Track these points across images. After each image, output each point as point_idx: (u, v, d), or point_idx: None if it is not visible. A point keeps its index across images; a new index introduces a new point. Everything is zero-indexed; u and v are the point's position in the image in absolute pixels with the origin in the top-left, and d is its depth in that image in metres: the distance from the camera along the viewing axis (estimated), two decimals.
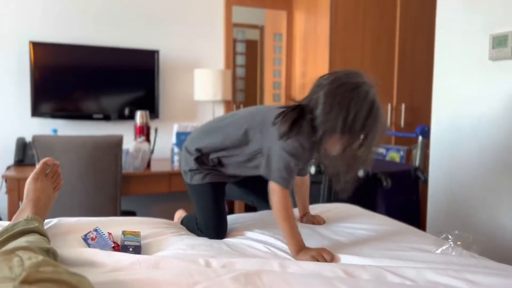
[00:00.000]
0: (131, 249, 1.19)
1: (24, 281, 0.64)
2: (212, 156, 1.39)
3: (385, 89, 3.15)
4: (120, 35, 3.05)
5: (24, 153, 2.64)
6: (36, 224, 1.10)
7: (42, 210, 1.23)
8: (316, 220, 1.48)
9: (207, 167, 1.41)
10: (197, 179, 1.40)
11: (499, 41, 1.57)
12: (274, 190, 1.23)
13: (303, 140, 1.20)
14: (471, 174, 1.72)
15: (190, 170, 1.42)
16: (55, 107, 2.86)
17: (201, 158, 1.40)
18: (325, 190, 2.44)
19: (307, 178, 1.51)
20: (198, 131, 1.46)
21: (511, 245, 1.57)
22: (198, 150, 1.40)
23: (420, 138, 2.63)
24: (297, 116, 1.19)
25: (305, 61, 3.37)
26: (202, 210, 1.39)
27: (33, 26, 2.86)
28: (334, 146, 1.20)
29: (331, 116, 1.14)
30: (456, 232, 1.26)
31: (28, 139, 2.67)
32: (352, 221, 1.52)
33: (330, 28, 3.00)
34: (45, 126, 2.86)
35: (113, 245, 1.21)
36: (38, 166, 1.29)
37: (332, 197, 2.41)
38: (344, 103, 1.14)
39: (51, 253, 0.93)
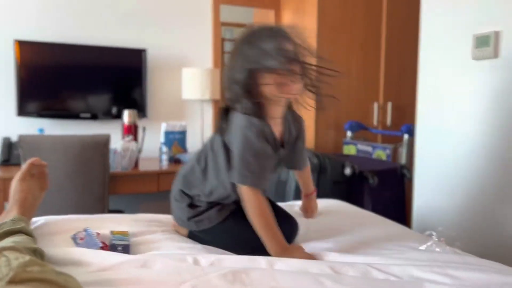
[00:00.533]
0: (120, 248, 1.19)
1: (11, 281, 0.64)
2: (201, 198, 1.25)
3: (371, 88, 3.18)
4: (107, 34, 3.03)
5: (10, 153, 2.61)
6: (23, 225, 1.09)
7: (29, 211, 1.23)
8: (310, 209, 1.40)
9: (207, 205, 1.25)
10: (206, 223, 1.23)
11: (481, 41, 1.61)
12: (243, 193, 1.11)
13: (249, 122, 1.11)
14: (455, 171, 1.75)
15: (189, 218, 1.25)
16: (41, 106, 2.83)
17: (193, 202, 1.26)
18: None
19: (307, 169, 1.41)
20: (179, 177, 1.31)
21: (495, 241, 1.60)
22: (185, 194, 1.27)
23: (405, 136, 2.67)
24: (227, 105, 1.16)
25: None
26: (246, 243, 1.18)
27: (18, 25, 2.83)
28: (280, 86, 1.10)
29: (244, 63, 1.10)
30: (440, 228, 1.28)
31: (14, 138, 2.64)
32: (339, 217, 1.54)
33: (318, 28, 3.02)
34: (31, 126, 2.83)
35: (101, 245, 1.21)
36: (24, 166, 1.28)
37: (319, 195, 2.43)
38: (242, 44, 1.12)
39: (38, 253, 0.93)
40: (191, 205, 1.26)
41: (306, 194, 1.41)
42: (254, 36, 1.12)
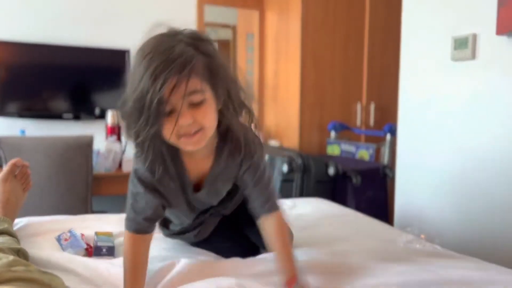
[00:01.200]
0: (104, 250, 1.18)
1: None
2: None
3: (355, 89, 3.22)
4: (89, 34, 3.00)
5: None
6: (6, 226, 1.08)
7: (11, 212, 1.22)
8: None
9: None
10: (187, 241, 1.24)
11: (460, 43, 1.65)
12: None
13: (134, 168, 0.94)
14: (436, 170, 1.79)
15: (168, 235, 1.25)
16: (23, 106, 2.79)
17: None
18: (297, 188, 2.48)
19: (274, 221, 0.99)
20: None
21: (474, 237, 1.64)
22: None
23: (388, 136, 2.71)
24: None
25: (277, 61, 3.41)
26: None
27: None
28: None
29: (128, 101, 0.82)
30: (420, 226, 1.31)
31: None
32: (322, 215, 1.56)
33: (302, 29, 3.05)
34: (13, 127, 2.78)
35: (85, 246, 1.20)
36: (6, 167, 1.27)
37: (304, 195, 2.45)
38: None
39: (21, 254, 0.92)
40: (164, 224, 1.23)
41: (287, 281, 0.94)
42: (133, 63, 0.83)
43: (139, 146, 0.86)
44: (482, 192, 1.61)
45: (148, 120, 0.78)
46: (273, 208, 0.99)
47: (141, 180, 0.93)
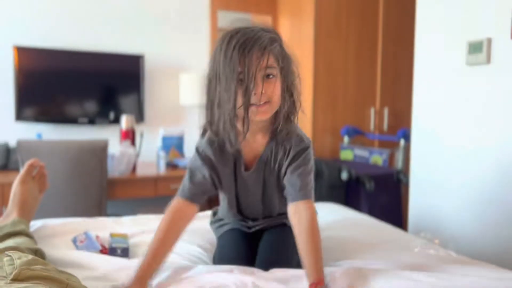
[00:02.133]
0: (119, 251, 1.20)
1: (15, 279, 0.65)
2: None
3: (368, 93, 3.21)
4: (105, 40, 3.05)
5: (8, 158, 2.62)
6: (23, 227, 1.11)
7: (28, 213, 1.24)
8: None
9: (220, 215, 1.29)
10: (216, 233, 1.28)
11: (475, 47, 1.64)
12: None
13: (198, 141, 1.09)
14: (450, 176, 1.78)
15: (211, 223, 1.32)
16: (39, 111, 2.84)
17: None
18: None
19: (307, 218, 1.02)
20: None
21: (488, 243, 1.62)
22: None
23: (402, 141, 2.69)
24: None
25: None
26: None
27: (17, 31, 2.84)
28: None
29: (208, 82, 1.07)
30: (434, 231, 1.30)
31: (12, 144, 2.65)
32: (336, 219, 1.56)
33: (315, 33, 3.05)
34: (29, 131, 2.83)
35: (100, 248, 1.22)
36: (24, 168, 1.29)
37: (316, 200, 2.45)
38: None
39: (39, 254, 0.94)
40: (214, 213, 1.33)
41: (312, 284, 0.92)
42: (220, 41, 1.03)
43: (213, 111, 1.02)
44: (497, 197, 1.59)
45: (230, 83, 0.95)
46: (307, 195, 1.07)
47: (202, 155, 1.07)
